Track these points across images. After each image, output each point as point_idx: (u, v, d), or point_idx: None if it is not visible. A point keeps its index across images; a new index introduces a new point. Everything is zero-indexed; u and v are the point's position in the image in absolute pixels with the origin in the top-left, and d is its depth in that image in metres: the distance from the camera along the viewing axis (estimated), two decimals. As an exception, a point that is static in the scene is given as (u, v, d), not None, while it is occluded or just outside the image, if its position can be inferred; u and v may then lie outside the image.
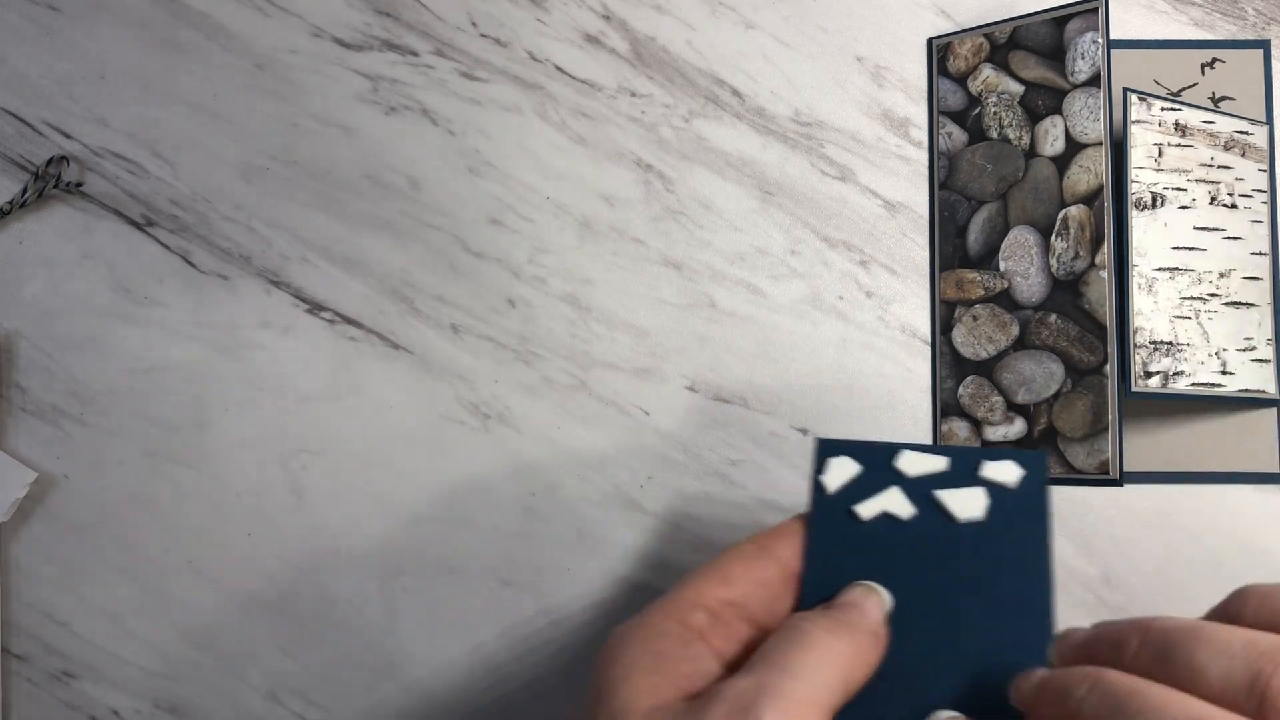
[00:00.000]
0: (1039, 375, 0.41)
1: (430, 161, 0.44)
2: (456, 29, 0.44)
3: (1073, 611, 0.41)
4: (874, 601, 0.28)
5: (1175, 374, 0.39)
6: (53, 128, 0.44)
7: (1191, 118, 0.40)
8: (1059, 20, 0.41)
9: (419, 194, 0.44)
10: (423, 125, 0.44)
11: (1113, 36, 0.40)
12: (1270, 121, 0.42)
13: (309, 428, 0.43)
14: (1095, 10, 0.40)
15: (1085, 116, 0.39)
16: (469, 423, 0.43)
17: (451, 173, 0.44)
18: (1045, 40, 0.41)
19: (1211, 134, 0.41)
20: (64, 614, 0.42)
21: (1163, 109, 0.40)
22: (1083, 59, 0.40)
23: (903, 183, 0.43)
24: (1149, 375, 0.38)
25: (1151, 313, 0.39)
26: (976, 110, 0.42)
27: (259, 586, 0.42)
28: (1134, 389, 0.38)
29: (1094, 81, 0.40)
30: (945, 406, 0.42)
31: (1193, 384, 0.39)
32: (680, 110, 0.44)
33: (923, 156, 0.43)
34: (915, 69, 0.44)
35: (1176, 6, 0.44)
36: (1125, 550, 0.42)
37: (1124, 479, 0.39)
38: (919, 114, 0.43)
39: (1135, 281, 0.39)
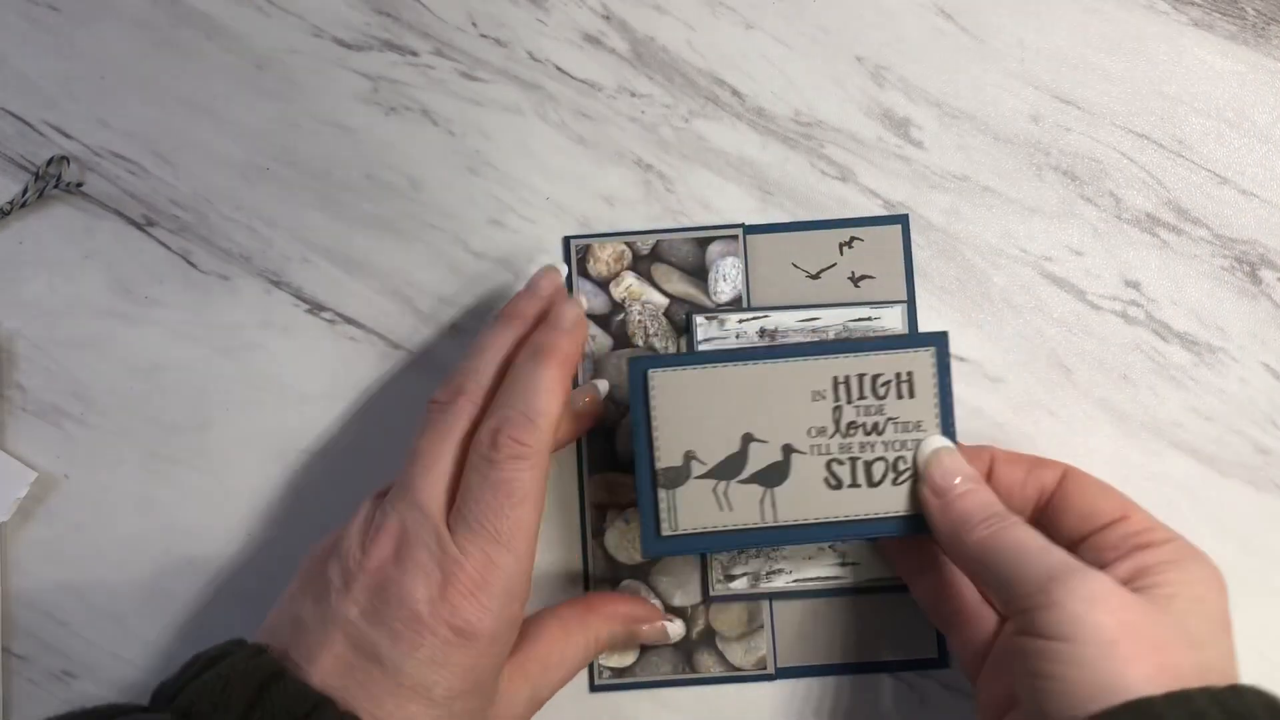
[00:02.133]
0: (694, 579, 0.41)
1: (430, 162, 0.44)
2: (456, 29, 0.44)
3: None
4: None
5: (770, 573, 0.41)
6: (53, 128, 0.44)
7: (784, 320, 0.41)
8: (700, 241, 0.42)
9: (419, 194, 0.44)
10: (423, 125, 0.44)
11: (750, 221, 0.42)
12: (911, 298, 0.42)
13: (309, 428, 0.43)
14: (735, 238, 0.42)
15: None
16: (469, 423, 0.43)
17: (452, 173, 0.44)
18: (687, 257, 0.42)
19: (814, 332, 0.41)
20: (64, 614, 0.42)
21: (740, 321, 0.40)
22: (724, 280, 0.42)
23: (903, 183, 0.43)
24: (730, 579, 0.40)
25: None
26: (621, 316, 0.43)
27: (259, 586, 0.42)
28: (712, 594, 0.40)
29: (736, 303, 0.41)
30: None
31: (795, 580, 0.41)
32: (680, 110, 0.44)
33: (924, 157, 0.43)
34: (915, 69, 0.44)
35: (1176, 7, 0.44)
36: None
37: (778, 674, 0.40)
38: (919, 114, 0.43)
39: None
